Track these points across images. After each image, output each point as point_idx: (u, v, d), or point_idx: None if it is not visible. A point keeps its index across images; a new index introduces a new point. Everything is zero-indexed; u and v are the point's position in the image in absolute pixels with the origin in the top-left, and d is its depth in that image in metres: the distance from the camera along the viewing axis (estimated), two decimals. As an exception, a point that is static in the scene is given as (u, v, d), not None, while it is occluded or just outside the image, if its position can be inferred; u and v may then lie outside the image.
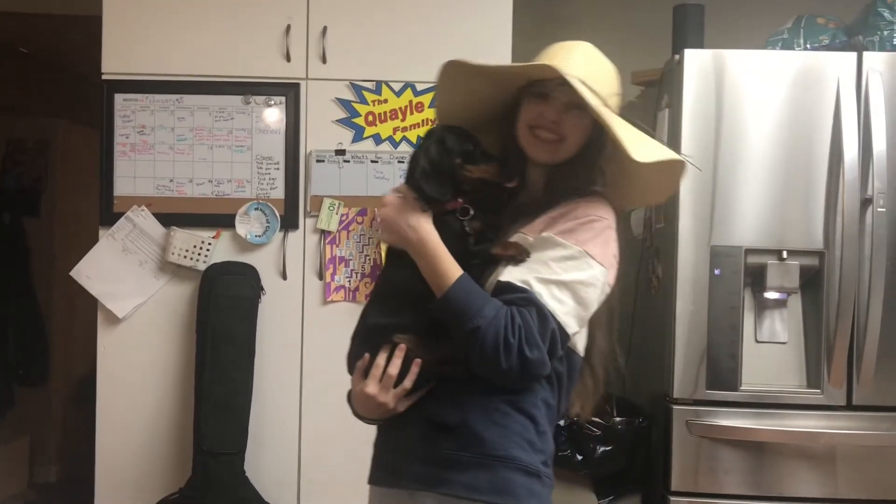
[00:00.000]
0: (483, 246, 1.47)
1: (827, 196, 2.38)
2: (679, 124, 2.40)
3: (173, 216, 2.57)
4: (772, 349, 2.43)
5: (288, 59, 2.58)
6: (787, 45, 2.63)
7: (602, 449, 2.44)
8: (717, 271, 2.37)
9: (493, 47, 2.55)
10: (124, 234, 2.57)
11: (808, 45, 2.61)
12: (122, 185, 2.59)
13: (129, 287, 2.56)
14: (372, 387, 1.46)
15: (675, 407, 2.39)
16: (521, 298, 1.38)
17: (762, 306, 2.44)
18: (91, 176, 3.26)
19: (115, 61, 2.59)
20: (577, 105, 1.45)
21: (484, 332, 1.34)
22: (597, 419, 2.45)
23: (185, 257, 2.54)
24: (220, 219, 2.58)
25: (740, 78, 2.40)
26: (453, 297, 1.39)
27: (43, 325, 4.89)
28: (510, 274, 1.42)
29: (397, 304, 1.49)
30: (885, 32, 2.55)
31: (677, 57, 2.46)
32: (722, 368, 2.37)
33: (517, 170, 1.52)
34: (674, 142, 2.43)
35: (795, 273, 2.38)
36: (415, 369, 1.43)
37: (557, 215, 1.46)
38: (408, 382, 1.44)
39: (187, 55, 2.60)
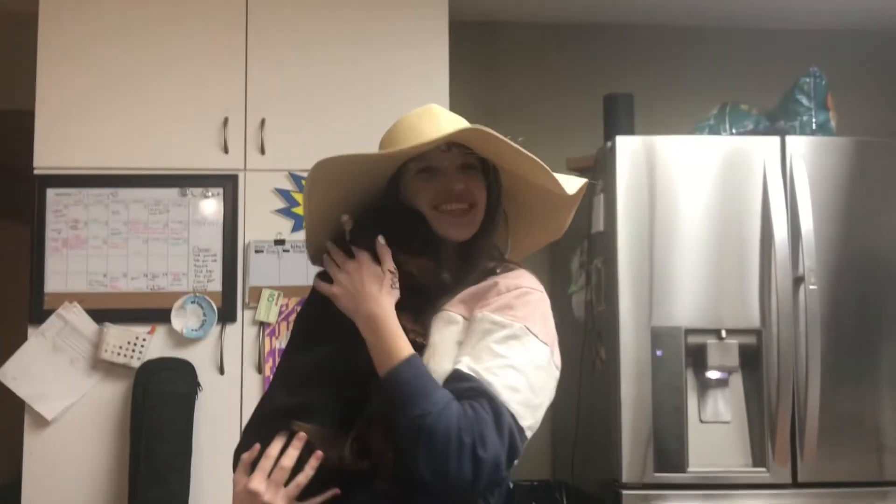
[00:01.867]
0: None
1: (761, 275, 2.44)
2: (614, 208, 2.45)
3: (107, 312, 2.51)
4: (716, 429, 2.44)
5: (226, 150, 2.58)
6: (714, 131, 2.74)
7: (553, 538, 2.40)
8: (658, 352, 2.39)
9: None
10: (55, 331, 2.48)
11: (733, 131, 2.72)
12: (54, 282, 2.52)
13: (59, 387, 2.47)
14: (257, 481, 1.23)
15: (624, 492, 2.36)
16: (469, 389, 1.19)
17: (704, 386, 2.45)
18: (19, 272, 3.16)
19: (48, 156, 2.55)
20: (472, 165, 1.37)
21: (433, 423, 1.14)
22: (547, 508, 2.40)
23: (118, 354, 2.46)
24: (155, 314, 2.52)
25: (671, 162, 2.47)
26: (402, 378, 1.20)
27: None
28: (444, 351, 1.27)
29: (306, 385, 1.28)
30: (804, 118, 2.67)
31: (609, 143, 2.53)
32: (669, 450, 2.36)
33: (432, 254, 1.36)
34: (610, 225, 2.48)
35: (735, 351, 2.41)
36: (314, 462, 1.21)
37: (479, 290, 1.32)
38: (302, 478, 1.21)
39: (122, 148, 2.58)
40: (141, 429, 2.43)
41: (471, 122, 1.34)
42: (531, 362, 1.24)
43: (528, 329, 1.25)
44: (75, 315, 2.49)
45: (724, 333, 2.41)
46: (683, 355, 2.39)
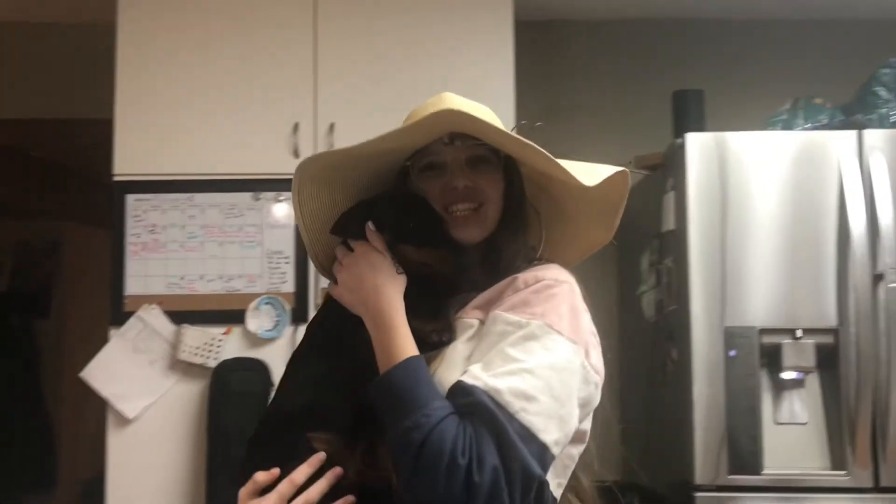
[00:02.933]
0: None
1: (837, 273, 2.38)
2: (685, 206, 2.42)
3: (184, 314, 2.57)
4: (792, 430, 2.39)
5: (296, 155, 2.62)
6: (787, 126, 2.68)
7: (624, 540, 2.37)
8: (732, 352, 2.35)
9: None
10: (135, 333, 2.56)
11: (807, 125, 2.65)
12: (133, 285, 2.59)
13: (140, 387, 2.54)
14: None
15: (697, 494, 2.33)
16: (468, 404, 1.01)
17: (779, 387, 2.40)
18: (101, 276, 3.27)
19: (127, 163, 2.63)
20: (482, 158, 1.21)
21: (426, 434, 0.98)
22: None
23: (195, 355, 2.53)
24: (230, 315, 2.57)
25: (743, 158, 2.43)
26: (395, 382, 1.04)
27: (50, 429, 4.84)
28: (454, 365, 1.09)
29: (317, 391, 1.15)
30: (883, 110, 2.59)
31: (679, 141, 2.49)
32: (743, 452, 2.33)
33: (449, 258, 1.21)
34: (680, 223, 2.44)
35: (811, 352, 2.36)
36: (331, 478, 1.07)
37: (496, 290, 1.16)
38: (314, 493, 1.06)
39: (198, 155, 2.64)
40: (217, 428, 2.48)
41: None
42: (553, 365, 1.05)
43: (549, 326, 1.07)
44: (154, 317, 2.56)
45: (799, 333, 2.36)
46: (757, 355, 2.35)
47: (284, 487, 1.08)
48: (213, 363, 2.53)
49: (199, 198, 2.62)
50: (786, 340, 2.36)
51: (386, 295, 1.12)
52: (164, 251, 2.61)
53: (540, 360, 1.04)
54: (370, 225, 1.18)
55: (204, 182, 2.63)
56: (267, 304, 2.59)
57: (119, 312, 2.58)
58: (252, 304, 2.58)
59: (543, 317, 1.08)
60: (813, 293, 2.39)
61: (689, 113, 2.68)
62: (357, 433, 1.10)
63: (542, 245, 1.29)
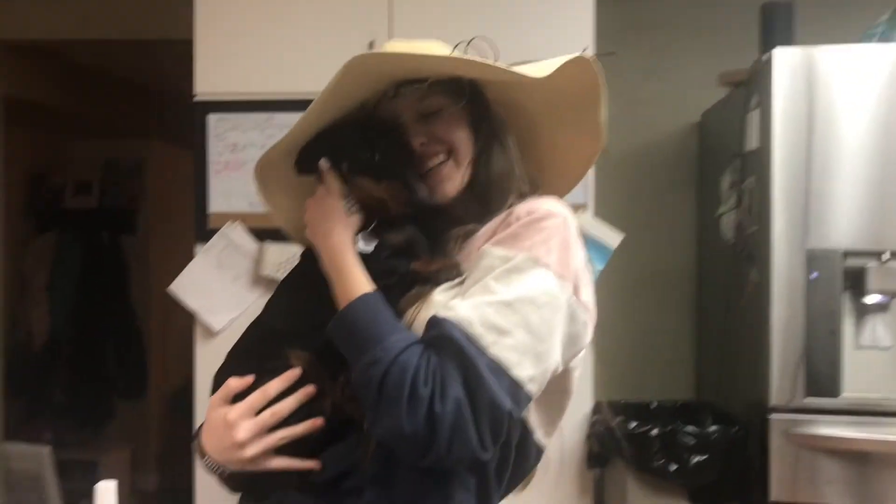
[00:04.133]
0: (397, 261, 1.09)
1: (929, 195, 2.29)
2: (770, 124, 2.35)
3: (266, 231, 2.62)
4: (874, 355, 2.34)
5: (373, 74, 2.62)
6: (885, 39, 2.54)
7: (696, 458, 2.39)
8: (813, 275, 2.30)
9: (575, 51, 2.53)
10: (219, 249, 2.63)
11: (906, 38, 2.51)
12: (217, 202, 2.66)
13: (224, 301, 2.63)
14: (238, 414, 1.07)
15: (772, 415, 2.32)
16: (437, 337, 0.99)
17: (862, 310, 2.35)
18: (183, 194, 3.37)
19: (207, 82, 2.67)
20: (433, 106, 1.15)
21: (386, 368, 0.96)
22: (691, 428, 2.40)
23: (277, 271, 2.60)
24: (309, 232, 2.63)
25: (834, 74, 2.33)
26: (352, 317, 1.03)
27: (141, 339, 5.08)
28: (437, 307, 1.03)
29: (298, 317, 1.14)
30: None
31: (766, 56, 2.40)
32: (821, 375, 2.30)
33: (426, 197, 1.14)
34: (764, 142, 2.37)
35: (897, 275, 2.29)
36: (301, 397, 1.07)
37: (488, 227, 1.12)
38: (301, 427, 1.06)
39: (276, 74, 2.66)
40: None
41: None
42: (533, 299, 1.00)
43: (535, 260, 1.03)
44: (237, 234, 2.63)
45: (886, 256, 2.29)
46: (840, 278, 2.30)
47: (255, 398, 1.08)
48: (293, 279, 2.60)
49: (279, 117, 2.65)
50: (871, 263, 2.30)
51: (333, 239, 1.10)
52: (245, 170, 2.66)
53: (519, 293, 1.00)
54: (323, 161, 1.15)
55: (282, 102, 2.65)
56: (344, 222, 2.62)
57: (203, 229, 2.65)
58: (330, 222, 2.62)
59: (531, 249, 1.04)
60: (902, 215, 2.31)
61: (777, 27, 2.56)
62: (337, 365, 1.07)
63: (518, 175, 1.19)
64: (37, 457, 3.43)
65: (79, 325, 4.94)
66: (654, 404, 2.78)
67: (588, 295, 1.08)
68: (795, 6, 2.60)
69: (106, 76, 4.61)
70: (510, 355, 0.98)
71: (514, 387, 0.98)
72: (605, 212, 2.65)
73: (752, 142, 2.47)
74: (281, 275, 2.55)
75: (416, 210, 1.12)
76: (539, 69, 1.09)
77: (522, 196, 1.16)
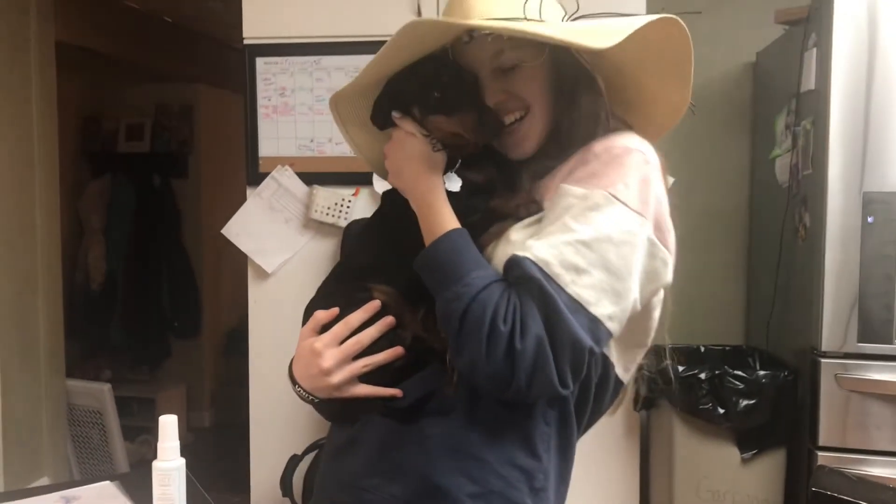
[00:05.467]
0: (478, 199, 1.12)
1: None
2: (828, 64, 2.28)
3: (315, 175, 2.64)
4: (930, 300, 2.31)
5: (419, 15, 2.60)
6: (951, -26, 2.44)
7: (745, 402, 2.39)
8: (869, 219, 2.26)
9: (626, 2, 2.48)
10: (270, 192, 2.67)
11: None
12: (266, 146, 2.68)
13: (276, 243, 2.67)
14: (325, 344, 1.13)
15: (823, 360, 2.31)
16: (515, 277, 1.01)
17: (919, 255, 2.31)
18: (233, 137, 3.40)
19: (255, 26, 2.67)
20: (508, 59, 1.12)
21: (467, 304, 0.99)
22: (739, 372, 2.39)
23: (327, 214, 2.63)
24: (358, 177, 2.63)
25: (897, 12, 2.24)
26: (438, 253, 1.05)
27: (194, 281, 5.20)
28: (515, 246, 1.05)
29: (382, 255, 1.19)
30: None
31: (826, -7, 2.32)
32: (874, 320, 2.27)
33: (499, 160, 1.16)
34: (822, 82, 2.31)
35: (958, 219, 2.24)
36: (381, 327, 1.12)
37: (570, 164, 1.11)
38: (382, 356, 1.11)
39: (323, 17, 2.65)
40: (348, 283, 2.61)
41: None
42: (610, 237, 1.00)
43: (613, 196, 1.02)
44: (287, 178, 2.66)
45: (946, 199, 2.24)
46: (898, 222, 2.25)
47: (339, 328, 1.13)
48: (343, 223, 2.63)
49: (326, 60, 2.65)
50: (930, 207, 2.25)
51: (422, 178, 1.11)
52: (293, 114, 2.68)
53: (597, 231, 1.00)
54: (395, 112, 1.16)
55: (329, 45, 2.65)
56: (393, 165, 2.63)
57: (254, 173, 2.68)
58: (379, 166, 2.63)
59: (609, 186, 1.03)
60: (965, 158, 2.24)
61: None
62: (418, 300, 1.12)
63: (608, 116, 1.16)
64: (98, 394, 3.57)
65: (134, 266, 5.07)
66: (703, 349, 2.78)
67: (669, 236, 1.08)
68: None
69: (156, 21, 4.64)
70: (588, 294, 0.99)
71: (594, 324, 0.99)
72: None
73: (809, 82, 2.41)
74: (330, 218, 2.61)
75: (492, 136, 1.13)
76: (614, 31, 1.04)
77: (605, 130, 1.14)
